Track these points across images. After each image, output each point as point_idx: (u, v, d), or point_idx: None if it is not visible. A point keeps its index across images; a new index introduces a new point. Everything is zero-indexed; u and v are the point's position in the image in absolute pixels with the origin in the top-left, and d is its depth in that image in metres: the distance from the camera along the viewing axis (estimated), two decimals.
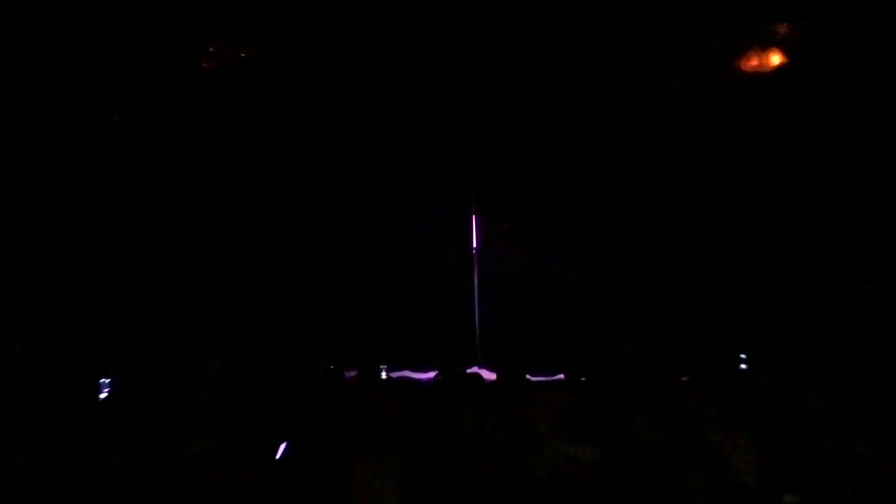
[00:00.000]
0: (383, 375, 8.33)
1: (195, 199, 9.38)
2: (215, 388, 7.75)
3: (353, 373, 8.37)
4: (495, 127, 9.10)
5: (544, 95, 9.15)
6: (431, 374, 8.46)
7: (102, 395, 7.39)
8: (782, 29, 7.42)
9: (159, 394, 7.55)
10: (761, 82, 8.07)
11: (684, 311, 9.40)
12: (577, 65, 8.64)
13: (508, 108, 9.34)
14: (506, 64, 8.56)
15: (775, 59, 7.92)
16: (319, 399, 7.51)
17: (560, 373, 8.71)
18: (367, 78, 8.54)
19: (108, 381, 7.45)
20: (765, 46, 7.73)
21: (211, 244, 9.16)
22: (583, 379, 8.39)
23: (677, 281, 9.50)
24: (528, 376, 8.20)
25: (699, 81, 8.24)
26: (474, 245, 9.67)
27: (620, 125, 8.79)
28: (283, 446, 6.62)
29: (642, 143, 8.85)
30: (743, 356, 8.67)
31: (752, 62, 8.02)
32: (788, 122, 8.32)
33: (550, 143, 9.06)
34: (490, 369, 9.19)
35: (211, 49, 7.61)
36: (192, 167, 8.98)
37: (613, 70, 8.56)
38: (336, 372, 8.31)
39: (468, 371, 7.91)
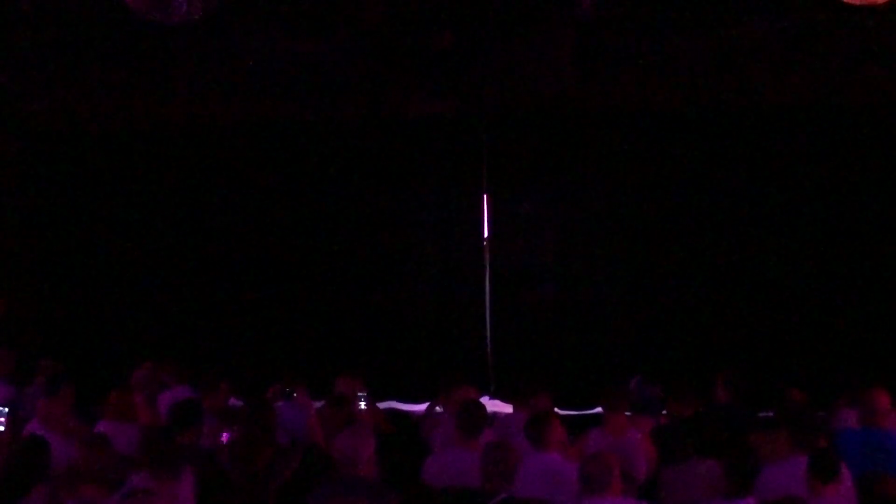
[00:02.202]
0: (361, 405, 6.95)
1: None
2: None
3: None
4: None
5: None
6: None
7: None
8: None
9: None
10: None
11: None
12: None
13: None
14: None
15: None
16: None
17: (598, 405, 7.60)
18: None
19: None
20: None
21: None
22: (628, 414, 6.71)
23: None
24: (556, 410, 6.99)
25: None
26: (485, 233, 9.02)
27: None
28: None
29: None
30: None
31: None
32: None
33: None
34: (505, 400, 8.29)
35: None
36: None
37: None
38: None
39: (478, 402, 6.39)
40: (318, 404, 6.84)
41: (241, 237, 9.33)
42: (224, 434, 5.83)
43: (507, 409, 7.76)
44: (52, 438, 5.15)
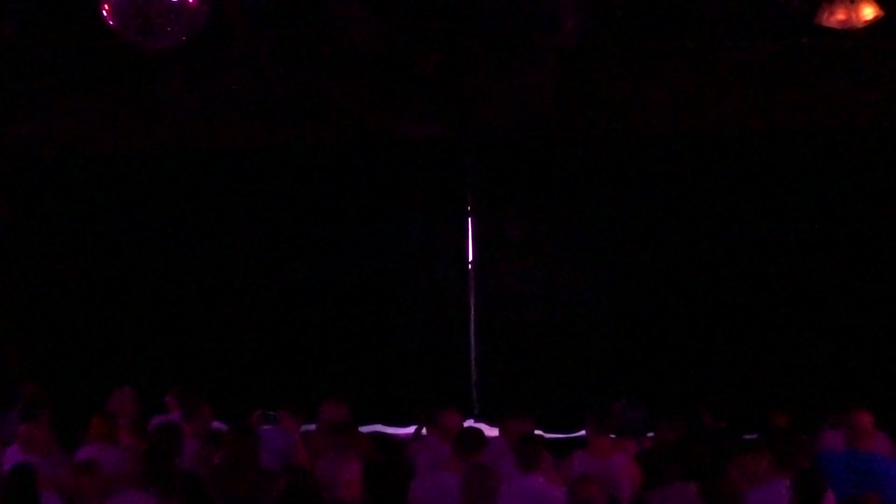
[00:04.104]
0: None
1: None
2: None
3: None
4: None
5: None
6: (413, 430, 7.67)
7: None
8: None
9: None
10: None
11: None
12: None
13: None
14: None
15: None
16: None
17: (582, 428, 7.29)
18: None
19: None
20: None
21: None
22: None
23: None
24: (539, 433, 6.85)
25: None
26: (470, 257, 9.08)
27: None
28: None
29: None
30: None
31: None
32: None
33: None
34: (489, 423, 8.04)
35: None
36: None
37: None
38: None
39: (477, 428, 6.50)
40: (302, 428, 6.81)
41: (225, 261, 9.29)
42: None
43: (492, 431, 7.48)
44: (33, 462, 5.12)
